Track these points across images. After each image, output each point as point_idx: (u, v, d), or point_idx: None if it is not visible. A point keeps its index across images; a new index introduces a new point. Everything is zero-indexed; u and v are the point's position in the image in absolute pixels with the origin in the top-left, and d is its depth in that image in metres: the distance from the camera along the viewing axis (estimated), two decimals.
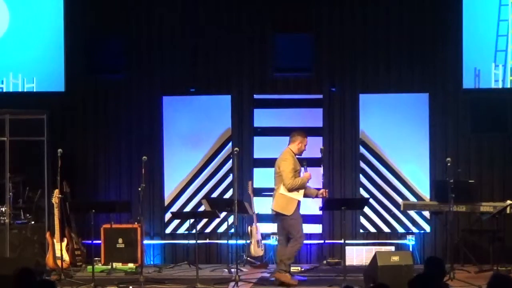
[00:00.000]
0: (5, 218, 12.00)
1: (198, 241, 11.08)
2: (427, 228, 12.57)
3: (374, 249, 11.85)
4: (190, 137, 12.80)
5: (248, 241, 12.19)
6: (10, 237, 12.00)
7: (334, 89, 12.72)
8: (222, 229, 12.72)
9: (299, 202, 10.86)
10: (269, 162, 12.65)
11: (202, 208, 12.28)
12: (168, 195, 12.81)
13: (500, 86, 12.46)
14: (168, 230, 12.84)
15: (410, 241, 12.35)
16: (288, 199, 10.81)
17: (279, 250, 10.93)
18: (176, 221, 12.72)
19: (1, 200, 12.09)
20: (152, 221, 12.83)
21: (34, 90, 12.83)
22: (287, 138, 12.50)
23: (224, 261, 12.41)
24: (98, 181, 12.87)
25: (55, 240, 11.64)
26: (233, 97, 12.80)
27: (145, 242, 12.47)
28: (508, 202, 11.34)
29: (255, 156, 12.76)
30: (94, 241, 11.35)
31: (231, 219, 12.29)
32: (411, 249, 12.05)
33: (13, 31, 12.84)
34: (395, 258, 10.03)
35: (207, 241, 12.70)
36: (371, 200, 12.23)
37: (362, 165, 12.68)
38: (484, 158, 12.57)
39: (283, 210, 10.82)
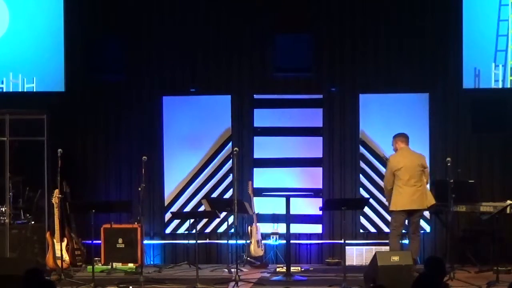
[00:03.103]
0: (5, 218, 12.01)
1: (198, 241, 11.07)
2: (427, 228, 12.57)
3: (374, 249, 11.85)
4: (190, 137, 12.80)
5: (248, 241, 12.19)
6: (10, 237, 12.00)
7: (334, 89, 12.72)
8: (222, 229, 12.72)
9: None
10: (269, 162, 12.69)
11: (202, 208, 12.28)
12: (168, 195, 12.81)
13: (500, 86, 12.46)
14: (168, 230, 12.84)
15: None
16: None
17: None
18: (176, 221, 12.72)
19: (1, 200, 12.09)
20: (152, 221, 12.83)
21: (34, 90, 12.82)
22: (287, 138, 12.58)
23: (224, 261, 12.41)
24: (98, 181, 12.86)
25: (55, 240, 11.65)
26: (233, 97, 12.80)
27: (145, 242, 12.47)
28: (508, 202, 11.33)
29: (255, 156, 12.75)
30: (94, 241, 11.34)
31: (231, 219, 12.29)
32: None
33: (13, 31, 12.83)
34: (395, 258, 10.03)
35: (207, 241, 12.70)
36: (371, 200, 12.24)
37: (362, 165, 12.68)
38: (484, 158, 12.57)
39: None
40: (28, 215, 12.25)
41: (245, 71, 12.83)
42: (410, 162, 11.18)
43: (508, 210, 11.28)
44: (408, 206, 11.12)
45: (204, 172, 12.81)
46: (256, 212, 12.19)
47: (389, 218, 12.53)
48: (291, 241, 11.77)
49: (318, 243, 12.72)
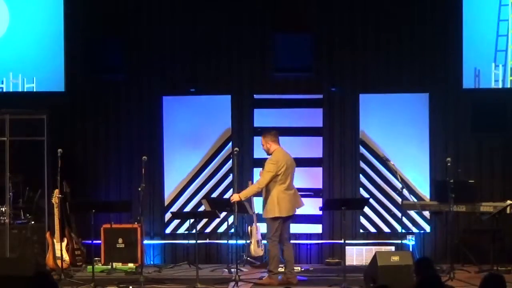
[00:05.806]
0: (5, 218, 12.01)
1: (198, 241, 11.08)
2: (427, 228, 12.57)
3: (374, 249, 11.85)
4: (190, 137, 12.80)
5: (248, 241, 12.19)
6: (10, 237, 12.00)
7: (334, 89, 12.72)
8: (222, 229, 12.72)
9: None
10: None
11: (202, 208, 12.28)
12: (168, 195, 12.81)
13: (500, 86, 12.46)
14: (168, 230, 12.84)
15: (410, 241, 12.33)
16: None
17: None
18: (176, 221, 12.72)
19: (1, 200, 12.09)
20: (152, 221, 12.83)
21: (34, 90, 12.82)
22: (287, 138, 12.53)
23: (224, 261, 12.41)
24: (98, 181, 12.86)
25: (55, 240, 11.65)
26: (233, 97, 12.80)
27: (145, 242, 12.47)
28: (508, 202, 11.34)
29: (255, 156, 12.74)
30: (94, 241, 11.35)
31: (231, 219, 12.29)
32: (411, 249, 12.04)
33: (13, 31, 12.83)
34: (395, 258, 10.03)
35: (207, 241, 12.70)
36: (371, 200, 12.23)
37: (362, 165, 12.68)
38: (484, 158, 12.57)
39: None
40: (28, 215, 12.24)
41: (245, 71, 12.82)
42: (291, 164, 10.96)
43: (508, 210, 11.28)
44: (291, 211, 10.86)
45: (204, 172, 12.81)
46: (256, 212, 12.18)
47: (389, 218, 12.57)
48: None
49: (318, 243, 12.72)
